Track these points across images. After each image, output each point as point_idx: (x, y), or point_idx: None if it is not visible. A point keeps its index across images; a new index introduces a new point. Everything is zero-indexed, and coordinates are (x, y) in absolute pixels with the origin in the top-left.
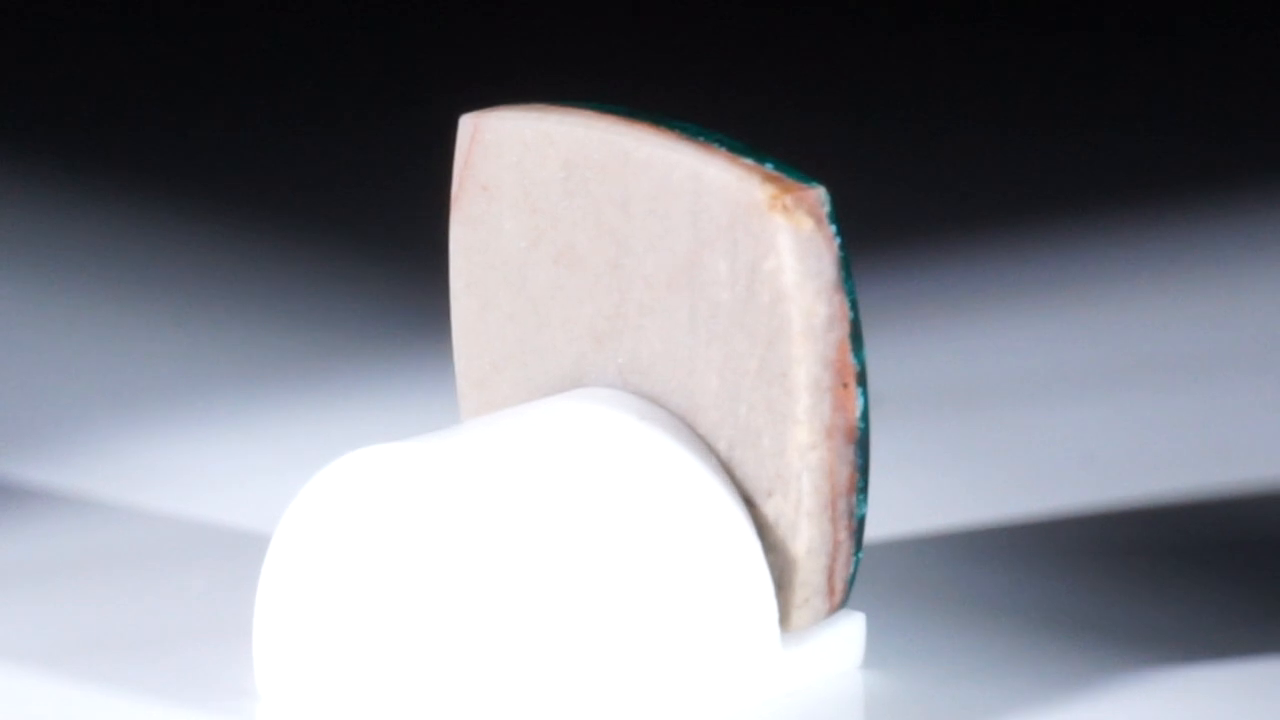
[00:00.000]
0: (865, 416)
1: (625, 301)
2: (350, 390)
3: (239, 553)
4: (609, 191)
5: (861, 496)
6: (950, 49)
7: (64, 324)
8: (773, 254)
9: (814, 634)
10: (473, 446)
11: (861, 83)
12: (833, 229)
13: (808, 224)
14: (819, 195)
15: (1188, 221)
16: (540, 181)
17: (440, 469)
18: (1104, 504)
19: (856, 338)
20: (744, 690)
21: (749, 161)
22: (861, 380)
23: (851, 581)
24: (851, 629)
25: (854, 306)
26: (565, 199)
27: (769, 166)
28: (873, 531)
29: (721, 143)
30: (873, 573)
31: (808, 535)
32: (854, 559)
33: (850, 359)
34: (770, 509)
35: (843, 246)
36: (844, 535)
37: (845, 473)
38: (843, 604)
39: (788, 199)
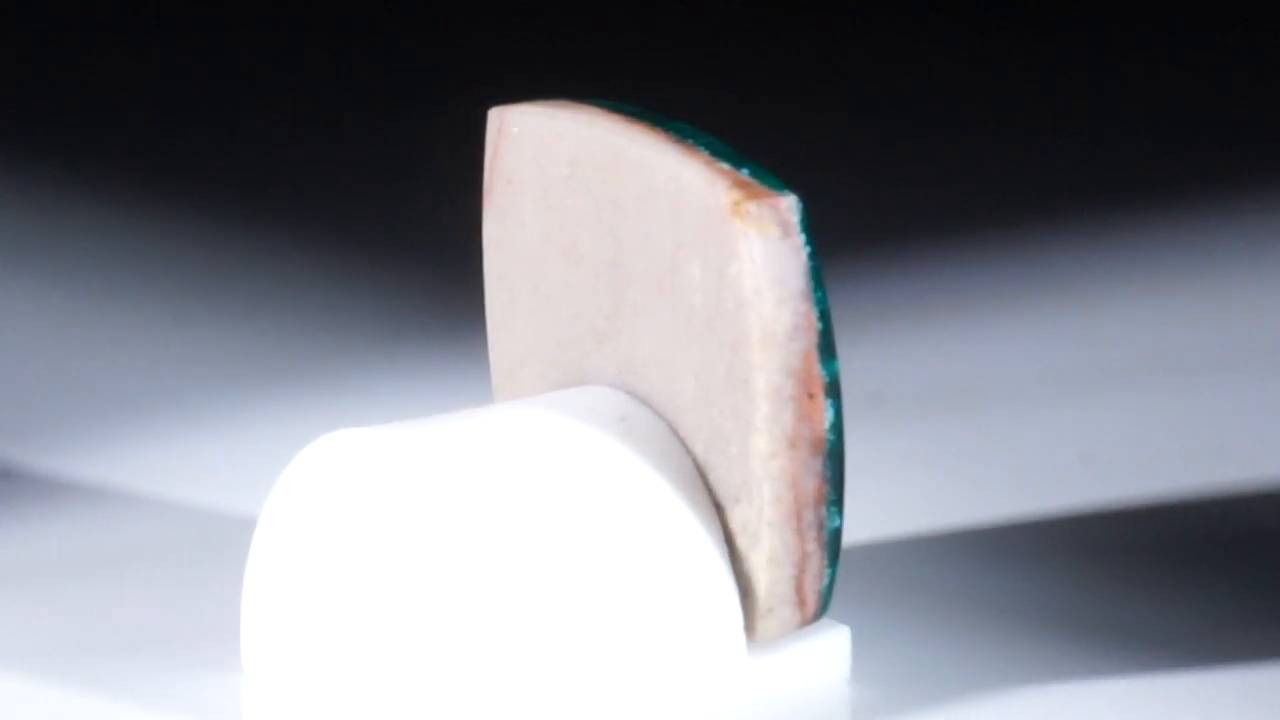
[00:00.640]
0: (836, 429)
1: (623, 301)
2: (352, 391)
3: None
4: (607, 191)
5: (834, 509)
6: (950, 49)
7: (80, 322)
8: (735, 259)
9: (788, 645)
10: (448, 438)
11: (863, 82)
12: (802, 238)
13: (773, 231)
14: (789, 203)
15: (1188, 221)
16: (552, 178)
17: (410, 457)
18: (1103, 504)
19: (826, 349)
20: (710, 696)
21: (725, 166)
22: (832, 392)
23: (827, 594)
24: (835, 641)
25: (823, 317)
26: (570, 196)
27: (745, 172)
28: (872, 531)
29: (708, 146)
30: (872, 572)
31: (769, 544)
32: (828, 571)
33: (818, 370)
34: (737, 516)
35: (813, 256)
36: (813, 547)
37: (812, 484)
38: (818, 616)
39: (751, 205)
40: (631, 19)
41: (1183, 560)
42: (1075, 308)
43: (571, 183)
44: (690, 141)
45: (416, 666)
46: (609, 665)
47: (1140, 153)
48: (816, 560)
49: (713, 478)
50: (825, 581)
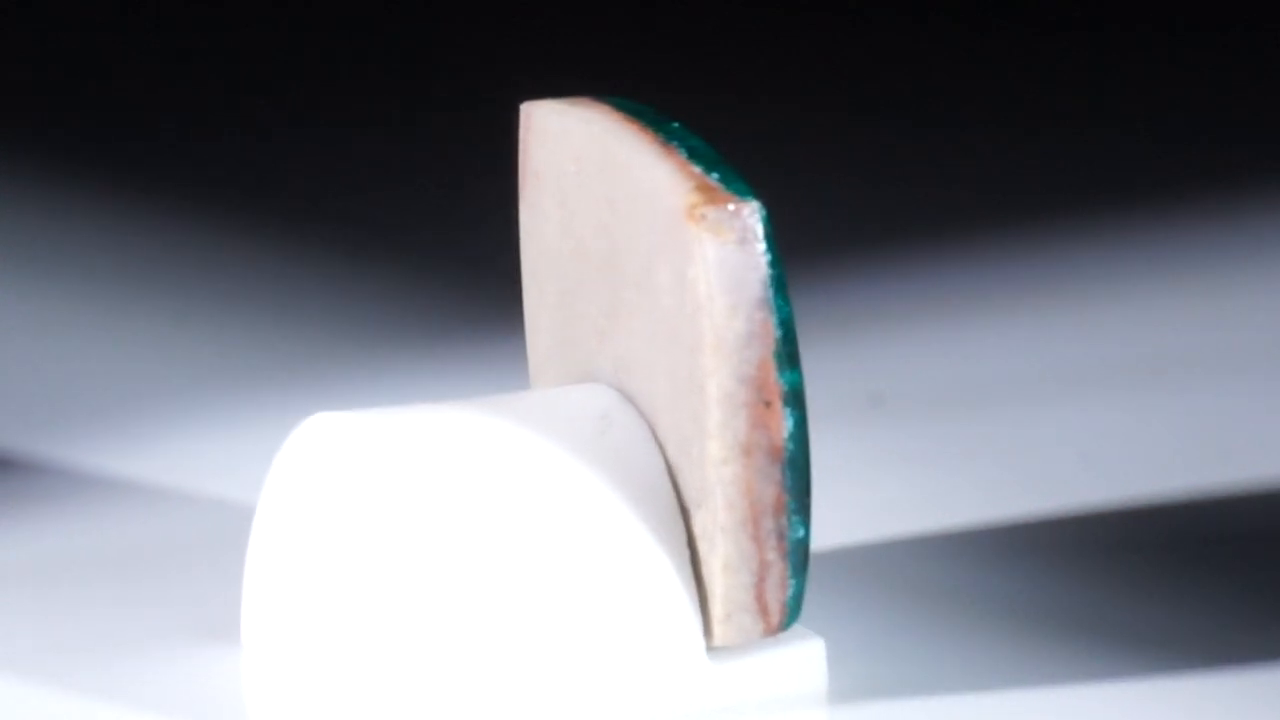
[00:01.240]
0: (796, 438)
1: (618, 300)
2: (354, 390)
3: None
4: (604, 189)
5: (797, 519)
6: (950, 49)
7: (80, 321)
8: (691, 264)
9: (752, 653)
10: (423, 428)
11: (863, 82)
12: (761, 246)
13: (728, 236)
14: (749, 209)
15: (1188, 221)
16: (564, 174)
17: (381, 445)
18: (1103, 504)
19: (785, 357)
20: (667, 697)
21: (697, 169)
22: (792, 401)
23: (794, 603)
24: (807, 651)
25: (782, 325)
26: (577, 193)
27: (714, 176)
28: (871, 532)
29: (690, 149)
30: (871, 572)
31: (724, 550)
32: (793, 581)
33: (775, 378)
34: (698, 520)
35: (773, 264)
36: (773, 556)
37: (770, 492)
38: (785, 625)
39: (709, 210)
40: (631, 19)
41: (1183, 560)
42: (1075, 308)
43: (578, 180)
44: (674, 143)
45: (373, 666)
46: (561, 663)
47: (1140, 153)
48: (778, 569)
49: (680, 480)
50: (790, 591)
